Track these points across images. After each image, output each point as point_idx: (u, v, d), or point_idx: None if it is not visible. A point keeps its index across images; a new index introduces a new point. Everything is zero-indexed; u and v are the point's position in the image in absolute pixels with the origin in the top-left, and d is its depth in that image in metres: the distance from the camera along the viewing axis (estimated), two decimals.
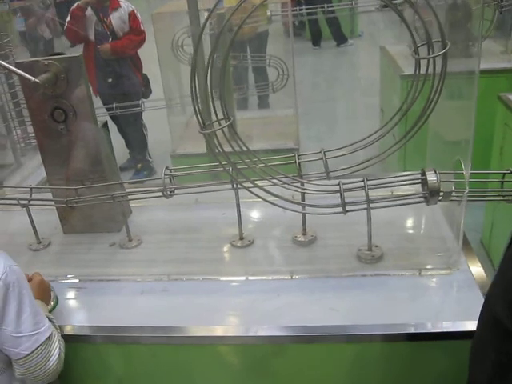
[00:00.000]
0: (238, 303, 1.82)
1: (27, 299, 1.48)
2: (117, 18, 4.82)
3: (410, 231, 2.08)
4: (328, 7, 4.72)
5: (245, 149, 1.75)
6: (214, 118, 1.67)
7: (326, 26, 9.21)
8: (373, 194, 1.75)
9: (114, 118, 4.61)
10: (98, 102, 4.75)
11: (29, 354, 1.46)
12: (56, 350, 1.52)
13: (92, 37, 4.84)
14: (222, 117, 1.66)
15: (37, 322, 1.48)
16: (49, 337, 1.50)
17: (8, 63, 1.97)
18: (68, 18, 4.76)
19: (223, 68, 1.60)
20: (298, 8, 4.33)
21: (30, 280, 1.66)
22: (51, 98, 1.99)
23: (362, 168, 1.81)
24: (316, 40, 9.51)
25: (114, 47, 4.81)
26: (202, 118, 1.70)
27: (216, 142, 1.70)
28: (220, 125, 1.66)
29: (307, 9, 4.76)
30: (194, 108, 1.67)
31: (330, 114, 6.09)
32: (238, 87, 5.10)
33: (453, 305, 1.72)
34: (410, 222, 2.12)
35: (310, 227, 2.03)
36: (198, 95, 1.67)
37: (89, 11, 4.76)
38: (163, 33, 4.35)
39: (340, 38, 9.31)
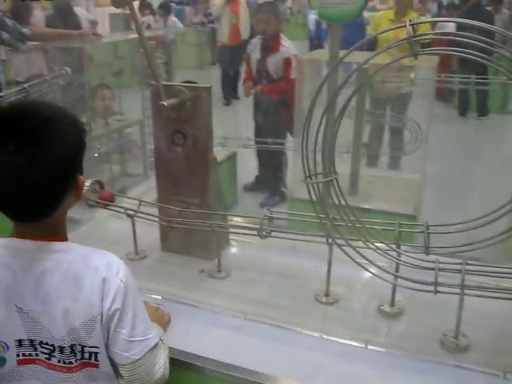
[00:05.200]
0: (307, 359, 1.76)
1: (141, 303, 1.46)
2: (273, 62, 4.94)
3: (506, 328, 1.91)
4: (479, 79, 4.57)
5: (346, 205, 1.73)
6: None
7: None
8: (472, 278, 1.64)
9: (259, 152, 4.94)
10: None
11: (138, 360, 1.41)
12: (162, 357, 1.49)
13: (254, 72, 5.12)
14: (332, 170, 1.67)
15: (148, 327, 1.45)
16: (156, 343, 1.46)
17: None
18: None
19: (335, 122, 1.60)
20: (443, 75, 4.21)
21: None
22: (175, 121, 2.10)
23: (464, 250, 1.71)
24: (463, 110, 9.21)
25: (263, 90, 5.01)
26: (308, 167, 1.71)
27: (317, 193, 1.70)
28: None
29: (460, 77, 4.63)
30: (302, 155, 1.68)
31: (462, 187, 5.82)
32: (370, 144, 5.06)
33: None
34: (507, 318, 1.94)
35: (398, 298, 1.94)
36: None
37: (256, 46, 5.06)
38: (307, 79, 4.42)
39: (481, 110, 8.99)
